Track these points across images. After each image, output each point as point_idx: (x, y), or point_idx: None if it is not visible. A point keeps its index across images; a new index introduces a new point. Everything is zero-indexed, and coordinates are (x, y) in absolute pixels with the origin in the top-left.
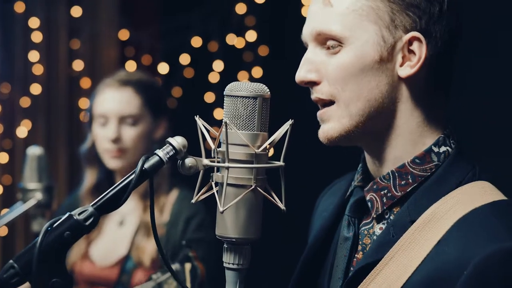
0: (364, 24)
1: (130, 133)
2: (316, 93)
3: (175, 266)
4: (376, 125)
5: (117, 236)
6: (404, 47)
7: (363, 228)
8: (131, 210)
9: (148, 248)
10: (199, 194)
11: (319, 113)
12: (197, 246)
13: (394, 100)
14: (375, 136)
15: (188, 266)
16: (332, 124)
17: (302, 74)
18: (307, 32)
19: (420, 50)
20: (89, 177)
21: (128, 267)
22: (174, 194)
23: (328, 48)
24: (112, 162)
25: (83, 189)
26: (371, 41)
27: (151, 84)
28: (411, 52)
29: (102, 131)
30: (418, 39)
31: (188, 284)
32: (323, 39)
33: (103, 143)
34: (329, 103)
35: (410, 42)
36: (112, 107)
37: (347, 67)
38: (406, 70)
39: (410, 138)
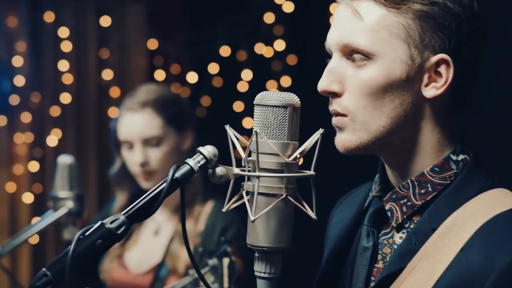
0: (394, 42)
1: (156, 154)
2: (335, 105)
3: (213, 262)
4: (395, 140)
5: (152, 245)
6: (431, 68)
7: (383, 238)
8: (166, 220)
9: (183, 256)
10: (230, 203)
11: (334, 121)
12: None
13: (415, 118)
14: (394, 149)
15: (226, 261)
16: (348, 135)
17: (325, 84)
18: (333, 41)
19: (447, 72)
20: (120, 198)
21: (161, 274)
22: (209, 205)
23: (354, 60)
24: (144, 184)
25: (114, 210)
26: (399, 59)
27: (171, 100)
28: (437, 73)
29: (130, 155)
30: (446, 62)
31: (226, 278)
32: (349, 51)
33: (132, 167)
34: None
35: (437, 63)
36: (134, 131)
37: (372, 83)
38: (431, 91)
39: (430, 152)
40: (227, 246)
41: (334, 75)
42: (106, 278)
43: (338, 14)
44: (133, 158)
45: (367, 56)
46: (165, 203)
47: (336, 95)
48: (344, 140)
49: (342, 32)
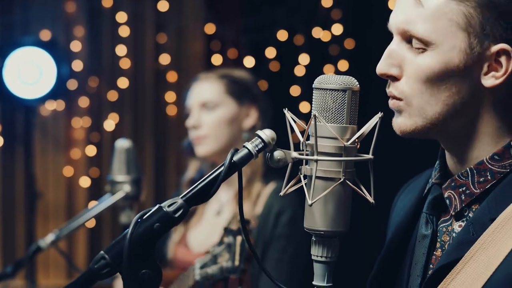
0: (453, 30)
1: (208, 119)
2: (392, 88)
3: (228, 239)
4: (454, 127)
5: (214, 225)
6: (491, 57)
7: (442, 225)
8: (228, 201)
9: (240, 237)
10: (287, 187)
11: (391, 104)
12: (288, 242)
13: (473, 106)
14: (453, 136)
15: (239, 239)
16: (403, 119)
17: (384, 67)
18: (394, 24)
19: (508, 62)
20: (191, 170)
21: None
22: (270, 187)
23: (413, 46)
24: (196, 149)
25: (184, 181)
26: (458, 48)
27: (238, 74)
28: (497, 62)
29: (187, 122)
30: (507, 52)
31: (237, 256)
32: (408, 36)
33: (190, 134)
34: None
35: (498, 53)
36: (193, 97)
37: (429, 70)
38: (490, 80)
39: (489, 140)
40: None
41: (393, 58)
42: (171, 256)
43: None
44: (188, 123)
45: (426, 44)
46: (229, 183)
47: (394, 78)
48: (400, 124)
49: (402, 17)
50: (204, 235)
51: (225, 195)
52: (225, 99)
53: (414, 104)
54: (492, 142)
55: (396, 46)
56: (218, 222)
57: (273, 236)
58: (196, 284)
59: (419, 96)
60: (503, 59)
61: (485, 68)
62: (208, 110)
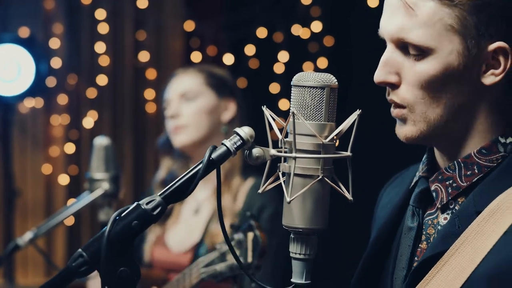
0: (449, 34)
1: (187, 108)
2: (392, 96)
3: (238, 236)
4: (453, 127)
5: (192, 224)
6: (488, 56)
7: (427, 218)
8: (206, 199)
9: (251, 234)
10: (266, 184)
11: (394, 113)
12: (269, 237)
13: (473, 105)
14: (451, 136)
15: (250, 235)
16: (409, 127)
17: (382, 75)
18: (386, 32)
19: (506, 59)
20: (162, 170)
21: (200, 253)
22: (249, 183)
23: (409, 53)
24: (174, 140)
25: (156, 181)
26: (455, 51)
27: (217, 70)
28: (495, 59)
29: (166, 114)
30: (504, 49)
31: (250, 252)
32: (404, 44)
33: (167, 125)
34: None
35: (495, 51)
36: (173, 88)
37: (430, 76)
38: (490, 78)
39: (479, 134)
40: (251, 220)
41: (390, 66)
42: (148, 257)
43: (390, 2)
44: (167, 114)
45: (423, 51)
46: (206, 181)
47: (393, 86)
48: (405, 131)
49: (396, 25)
50: (183, 234)
51: (202, 193)
52: (204, 90)
53: (417, 110)
54: (481, 137)
55: (391, 53)
56: (197, 220)
57: None
58: (197, 284)
59: (421, 102)
60: (500, 57)
61: (483, 67)
62: (188, 101)
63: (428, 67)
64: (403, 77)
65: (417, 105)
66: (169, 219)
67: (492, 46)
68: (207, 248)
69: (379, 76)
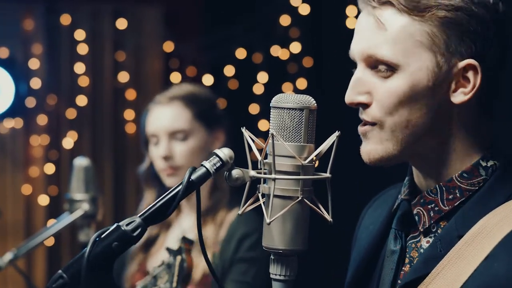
0: (418, 51)
1: (181, 149)
2: (364, 115)
3: (169, 260)
4: (423, 147)
5: None
6: (458, 74)
7: (411, 241)
8: (191, 227)
9: (200, 265)
10: (245, 206)
11: (361, 130)
12: (250, 265)
13: (444, 125)
14: (423, 156)
15: (178, 258)
16: (374, 146)
17: (352, 96)
18: (357, 51)
19: (475, 77)
20: (147, 198)
21: None
22: (234, 213)
23: (379, 71)
24: (168, 180)
25: (141, 209)
26: (424, 68)
27: (202, 96)
28: (465, 78)
29: (155, 150)
30: (474, 67)
31: (175, 277)
32: (374, 62)
33: (157, 162)
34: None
35: (465, 69)
36: (161, 124)
37: (398, 94)
38: (459, 96)
39: (459, 158)
40: (183, 243)
41: (360, 86)
42: (128, 284)
43: (361, 23)
44: (158, 152)
45: (393, 67)
46: (191, 210)
47: (365, 105)
48: (369, 151)
49: (365, 42)
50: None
51: (187, 222)
52: (195, 126)
53: (385, 128)
54: (462, 160)
55: (361, 73)
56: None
57: (233, 261)
58: None
59: (390, 119)
60: (470, 75)
61: (453, 85)
62: (180, 140)
63: (398, 84)
64: (374, 96)
65: (386, 122)
66: (153, 246)
67: (462, 64)
68: None
69: (349, 96)
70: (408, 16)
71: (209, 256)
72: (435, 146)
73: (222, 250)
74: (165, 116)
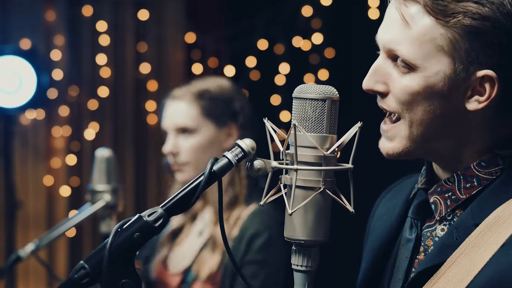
0: (438, 55)
1: (186, 146)
2: (382, 104)
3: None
4: (439, 147)
5: (192, 246)
6: (475, 82)
7: (426, 230)
8: (211, 221)
9: (209, 263)
10: (267, 196)
11: (384, 128)
12: (259, 268)
13: (459, 128)
14: (439, 153)
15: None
16: (394, 144)
17: (371, 84)
18: (381, 41)
19: (491, 88)
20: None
21: (189, 278)
22: (251, 208)
23: (398, 65)
24: (176, 176)
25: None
26: (441, 72)
27: (215, 92)
28: (481, 86)
29: (164, 145)
30: (491, 78)
31: None
32: (394, 55)
33: (168, 157)
34: (395, 117)
35: (483, 78)
36: (169, 119)
37: (412, 92)
38: (474, 104)
39: (476, 154)
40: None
41: (379, 75)
42: (153, 275)
43: (390, 13)
44: (164, 148)
45: (410, 66)
46: (215, 204)
47: (382, 94)
48: (387, 148)
49: (390, 35)
50: (181, 256)
51: (209, 216)
52: (202, 123)
53: (405, 121)
54: (479, 152)
55: (382, 62)
56: (198, 243)
57: (243, 263)
58: None
59: (408, 115)
60: (487, 85)
61: (469, 92)
62: (186, 136)
63: (413, 83)
64: (390, 88)
65: (405, 117)
66: (178, 237)
67: (480, 73)
68: (193, 274)
69: (367, 83)
70: (433, 18)
71: (222, 255)
72: (451, 145)
73: (233, 249)
74: (173, 112)
